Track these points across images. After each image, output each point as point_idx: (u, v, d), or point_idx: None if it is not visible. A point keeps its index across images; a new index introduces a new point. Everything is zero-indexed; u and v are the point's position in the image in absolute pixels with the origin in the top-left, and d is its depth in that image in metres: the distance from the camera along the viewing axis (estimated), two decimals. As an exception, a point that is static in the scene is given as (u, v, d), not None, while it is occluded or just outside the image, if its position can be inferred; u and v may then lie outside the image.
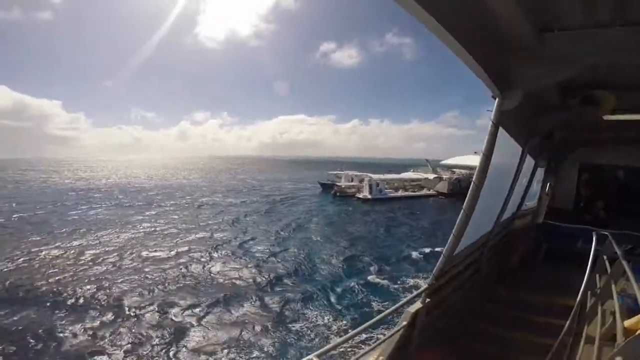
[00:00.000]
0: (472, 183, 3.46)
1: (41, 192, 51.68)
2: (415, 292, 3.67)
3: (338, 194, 52.21)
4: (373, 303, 14.68)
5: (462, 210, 3.50)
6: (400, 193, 50.87)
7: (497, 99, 3.12)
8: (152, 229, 27.78)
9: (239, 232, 27.39)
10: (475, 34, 2.36)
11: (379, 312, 4.73)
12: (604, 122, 4.98)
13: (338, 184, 53.76)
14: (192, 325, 12.51)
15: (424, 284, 3.74)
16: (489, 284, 5.96)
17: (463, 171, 59.48)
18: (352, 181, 54.82)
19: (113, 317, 12.97)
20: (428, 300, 3.58)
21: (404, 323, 3.32)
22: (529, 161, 6.13)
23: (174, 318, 13.02)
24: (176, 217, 32.88)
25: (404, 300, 3.55)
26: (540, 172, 7.88)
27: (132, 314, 13.33)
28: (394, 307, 3.40)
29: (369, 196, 48.30)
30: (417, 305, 3.51)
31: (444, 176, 54.70)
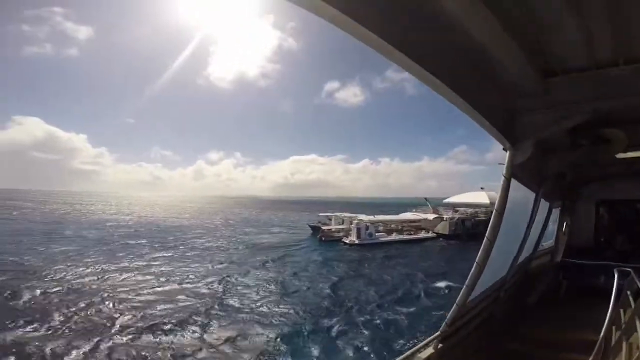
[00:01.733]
0: (486, 237, 3.49)
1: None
2: (425, 340, 3.62)
3: (324, 238, 46.20)
4: None
5: (475, 263, 3.55)
6: (394, 237, 44.28)
7: (508, 152, 3.12)
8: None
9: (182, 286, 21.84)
10: (481, 90, 2.42)
11: None
12: (617, 160, 4.99)
13: (324, 227, 47.88)
14: None
15: (435, 332, 3.73)
16: (508, 324, 5.81)
17: (468, 210, 52.82)
18: (342, 223, 48.91)
19: None
20: (441, 345, 3.57)
21: None
22: (543, 203, 6.01)
23: None
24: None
25: (414, 348, 3.49)
26: (555, 212, 7.73)
27: None
28: (404, 356, 3.31)
29: (356, 241, 42.01)
30: (429, 351, 3.50)
31: (445, 216, 48.12)
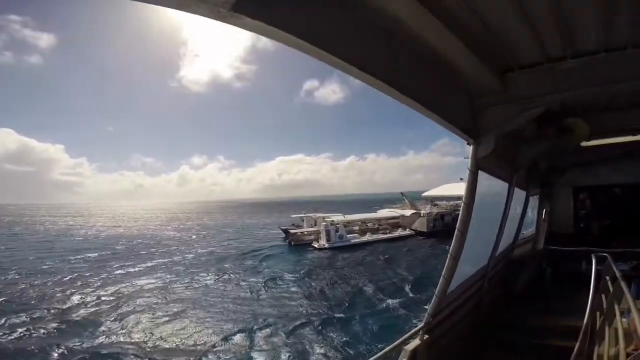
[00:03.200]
0: (457, 229, 3.58)
1: None
2: (411, 331, 3.62)
3: (293, 242, 42.07)
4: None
5: (449, 255, 3.60)
6: (367, 237, 40.36)
7: (472, 146, 3.16)
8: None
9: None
10: (438, 90, 2.45)
11: (375, 352, 3.24)
12: (584, 148, 5.23)
13: (293, 230, 43.69)
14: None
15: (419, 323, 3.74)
16: (493, 313, 5.87)
17: (449, 203, 49.55)
18: (315, 225, 44.77)
19: None
20: (427, 337, 3.60)
21: None
22: (519, 192, 6.00)
23: None
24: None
25: (400, 339, 3.47)
26: (533, 200, 7.75)
27: None
28: (389, 347, 3.31)
29: (326, 245, 38.03)
30: (416, 342, 3.52)
31: (423, 211, 44.54)
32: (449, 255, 3.60)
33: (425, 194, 54.96)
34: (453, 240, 3.59)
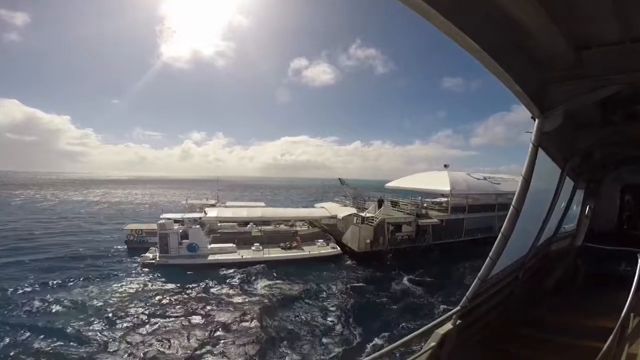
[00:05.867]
0: (512, 207, 3.42)
1: None
2: (445, 315, 3.56)
3: (130, 245, 24.42)
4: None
5: (500, 234, 3.48)
6: (251, 254, 21.80)
7: (537, 120, 3.11)
8: None
9: None
10: (513, 55, 2.41)
11: (407, 333, 3.26)
12: None
13: (127, 227, 25.96)
14: None
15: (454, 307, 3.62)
16: (525, 306, 5.74)
17: (419, 201, 30.64)
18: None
19: None
20: (459, 322, 3.57)
21: (433, 344, 3.34)
22: (568, 182, 5.87)
23: None
24: None
25: (434, 322, 3.46)
26: (579, 194, 7.49)
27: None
28: (422, 329, 3.32)
29: (158, 259, 20.11)
30: (448, 326, 3.50)
31: (368, 213, 25.41)
32: (500, 234, 3.45)
33: (390, 184, 35.88)
34: (506, 218, 3.42)
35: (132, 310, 14.60)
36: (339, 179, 30.79)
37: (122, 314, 14.24)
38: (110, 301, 15.52)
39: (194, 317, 14.22)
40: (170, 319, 13.92)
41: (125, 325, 13.32)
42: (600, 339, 3.28)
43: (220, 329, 13.23)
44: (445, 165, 31.81)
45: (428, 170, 36.98)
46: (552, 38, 2.38)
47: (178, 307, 15.18)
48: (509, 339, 4.92)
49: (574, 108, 3.12)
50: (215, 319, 14.04)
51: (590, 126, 4.41)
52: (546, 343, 4.80)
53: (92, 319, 13.61)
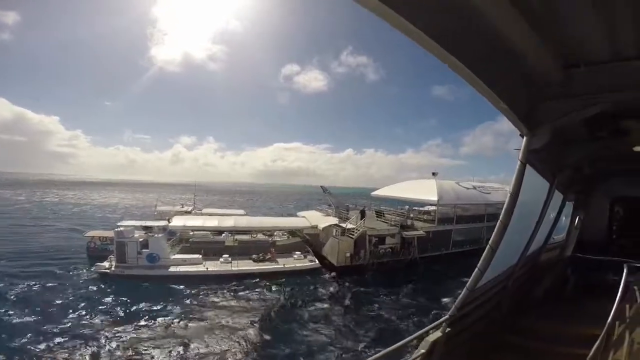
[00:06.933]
0: (500, 221, 3.49)
1: None
2: (435, 322, 3.62)
3: (90, 254, 22.39)
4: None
5: (488, 246, 3.54)
6: (219, 267, 19.75)
7: (525, 138, 3.13)
8: None
9: None
10: (501, 74, 2.39)
11: (397, 341, 3.13)
12: (635, 153, 4.97)
13: (88, 234, 23.93)
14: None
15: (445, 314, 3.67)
16: (513, 315, 5.79)
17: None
18: (170, 221, 24.47)
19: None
20: (449, 329, 3.59)
21: (422, 351, 3.33)
22: (557, 195, 5.93)
23: None
24: None
25: (423, 329, 3.51)
26: (569, 206, 7.48)
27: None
28: (412, 336, 3.36)
29: (114, 269, 18.16)
30: (437, 334, 3.52)
31: (350, 225, 23.65)
32: (487, 246, 3.49)
33: (376, 192, 34.33)
34: (494, 231, 3.48)
35: (48, 328, 12.66)
36: (322, 186, 28.97)
37: (38, 329, 12.34)
38: (31, 315, 13.47)
39: (122, 336, 12.20)
40: (91, 338, 11.88)
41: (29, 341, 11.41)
42: (587, 347, 3.36)
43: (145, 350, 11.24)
44: (434, 174, 30.40)
45: (417, 178, 35.54)
46: (542, 57, 2.38)
47: (109, 325, 13.09)
48: (497, 347, 4.97)
49: (561, 125, 3.14)
50: (146, 341, 12.03)
51: (578, 142, 4.45)
52: (533, 351, 4.88)
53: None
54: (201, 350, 11.68)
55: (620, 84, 2.64)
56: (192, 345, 11.92)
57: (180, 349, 11.69)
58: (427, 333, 3.48)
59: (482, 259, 3.55)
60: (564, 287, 7.67)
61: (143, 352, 11.43)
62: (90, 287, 17.10)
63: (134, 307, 14.93)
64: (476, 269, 3.58)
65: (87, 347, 11.49)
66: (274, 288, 18.22)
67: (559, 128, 3.19)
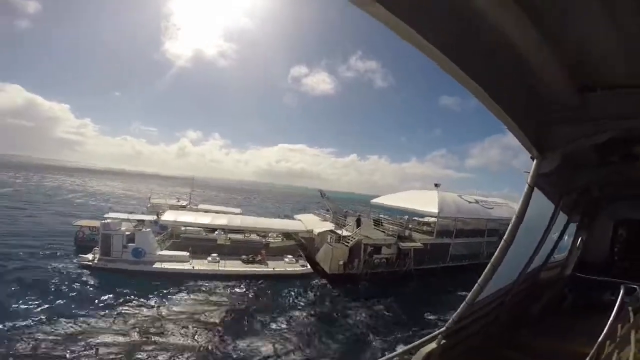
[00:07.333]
0: (503, 240, 3.47)
1: None
2: (430, 334, 3.60)
3: (78, 244, 21.86)
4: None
5: (489, 264, 3.56)
6: (206, 265, 19.07)
7: (535, 161, 3.09)
8: None
9: None
10: (515, 96, 2.33)
11: (390, 351, 4.01)
12: None
13: (77, 223, 23.33)
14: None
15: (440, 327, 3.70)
16: (510, 330, 5.81)
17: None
18: (159, 215, 23.95)
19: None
20: (444, 342, 3.59)
21: None
22: (562, 216, 5.88)
23: None
24: None
25: (419, 341, 3.50)
26: (572, 226, 7.50)
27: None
28: (407, 347, 3.37)
29: (96, 262, 17.58)
30: (432, 346, 3.53)
31: (346, 232, 22.89)
32: (489, 264, 3.53)
33: (375, 200, 33.58)
34: (497, 249, 3.50)
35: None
36: (320, 190, 28.21)
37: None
38: None
39: (73, 326, 11.46)
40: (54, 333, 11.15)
41: None
42: None
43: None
44: (436, 185, 29.59)
45: (420, 189, 34.71)
46: (558, 79, 2.28)
47: (66, 315, 12.37)
48: None
49: (573, 149, 3.05)
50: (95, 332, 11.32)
51: (588, 166, 4.35)
52: None
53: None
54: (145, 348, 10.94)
55: (635, 111, 2.53)
56: (143, 342, 11.19)
57: (131, 344, 11.02)
58: (422, 344, 3.49)
59: (483, 275, 3.59)
60: (562, 304, 7.67)
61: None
62: (64, 279, 16.31)
63: (104, 300, 14.30)
64: (476, 285, 3.61)
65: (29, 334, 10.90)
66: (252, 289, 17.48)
67: (570, 152, 3.11)
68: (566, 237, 7.48)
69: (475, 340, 4.60)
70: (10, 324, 11.65)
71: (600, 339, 3.63)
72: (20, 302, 13.35)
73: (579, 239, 8.59)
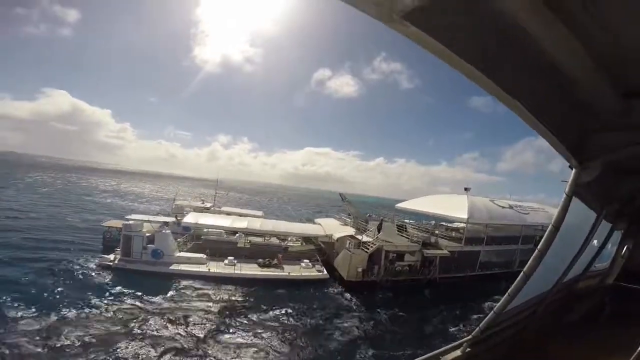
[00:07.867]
0: (537, 249, 3.35)
1: None
2: (455, 342, 3.57)
3: (108, 237, 23.07)
4: None
5: (522, 272, 3.41)
6: (214, 269, 18.75)
7: (573, 170, 2.94)
8: None
9: None
10: (551, 104, 2.23)
11: (414, 357, 3.38)
12: None
13: (105, 224, 24.19)
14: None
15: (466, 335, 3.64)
16: (541, 340, 5.54)
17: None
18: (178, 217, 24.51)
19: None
20: (469, 350, 3.55)
21: None
22: (604, 224, 5.50)
23: None
24: None
25: (443, 348, 3.47)
26: (616, 234, 7.04)
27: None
28: (430, 354, 3.31)
29: (116, 262, 17.92)
30: (456, 353, 3.49)
31: (366, 237, 21.93)
32: (522, 272, 3.40)
33: (401, 205, 32.19)
34: (531, 258, 3.36)
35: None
36: (340, 194, 27.38)
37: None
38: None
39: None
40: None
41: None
42: None
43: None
44: (466, 189, 27.81)
45: (449, 193, 32.92)
46: (598, 83, 2.10)
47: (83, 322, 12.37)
48: None
49: (617, 158, 2.88)
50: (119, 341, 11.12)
51: (633, 172, 4.06)
52: None
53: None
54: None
55: None
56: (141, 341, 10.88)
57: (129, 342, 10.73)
58: (446, 352, 3.46)
59: (514, 284, 3.48)
60: (600, 314, 7.30)
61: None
62: (87, 276, 16.73)
63: (111, 299, 14.46)
64: (506, 294, 3.50)
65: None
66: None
67: (612, 161, 2.97)
68: (609, 246, 7.07)
69: (503, 349, 4.48)
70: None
71: (638, 351, 3.53)
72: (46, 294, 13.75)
73: (624, 248, 8.19)
